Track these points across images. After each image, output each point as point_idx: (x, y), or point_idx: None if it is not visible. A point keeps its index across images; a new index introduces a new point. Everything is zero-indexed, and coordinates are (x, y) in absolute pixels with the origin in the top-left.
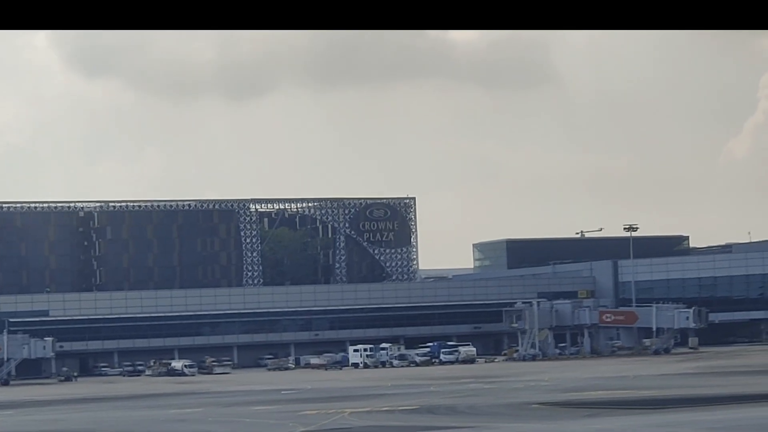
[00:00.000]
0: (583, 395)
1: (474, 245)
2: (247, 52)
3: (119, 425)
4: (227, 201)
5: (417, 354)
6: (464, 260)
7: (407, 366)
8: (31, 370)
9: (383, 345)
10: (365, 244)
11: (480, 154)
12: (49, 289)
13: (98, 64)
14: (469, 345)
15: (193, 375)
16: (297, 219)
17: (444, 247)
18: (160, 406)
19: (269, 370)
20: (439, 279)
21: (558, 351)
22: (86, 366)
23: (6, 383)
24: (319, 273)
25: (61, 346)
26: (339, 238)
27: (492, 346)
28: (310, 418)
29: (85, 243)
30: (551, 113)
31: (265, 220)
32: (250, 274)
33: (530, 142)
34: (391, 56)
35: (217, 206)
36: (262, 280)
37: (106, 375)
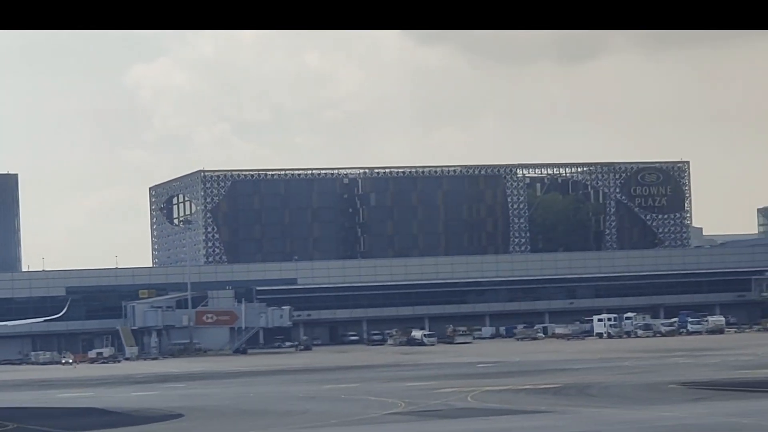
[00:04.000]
0: (748, 374)
1: (759, 210)
2: None
3: (251, 401)
4: (493, 166)
5: (662, 324)
6: (748, 225)
7: (651, 336)
8: (277, 338)
9: (628, 314)
10: (637, 209)
11: None
12: (297, 258)
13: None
14: (718, 315)
15: (432, 345)
16: (569, 184)
17: (726, 211)
18: (327, 381)
19: (518, 339)
20: (716, 246)
21: None
22: (335, 334)
23: (243, 352)
24: (590, 239)
25: (308, 315)
26: (610, 203)
27: (760, 315)
28: (429, 397)
29: (350, 210)
30: None
31: (537, 185)
32: (516, 240)
33: None
34: None
35: (482, 171)
36: (529, 247)
37: (351, 343)
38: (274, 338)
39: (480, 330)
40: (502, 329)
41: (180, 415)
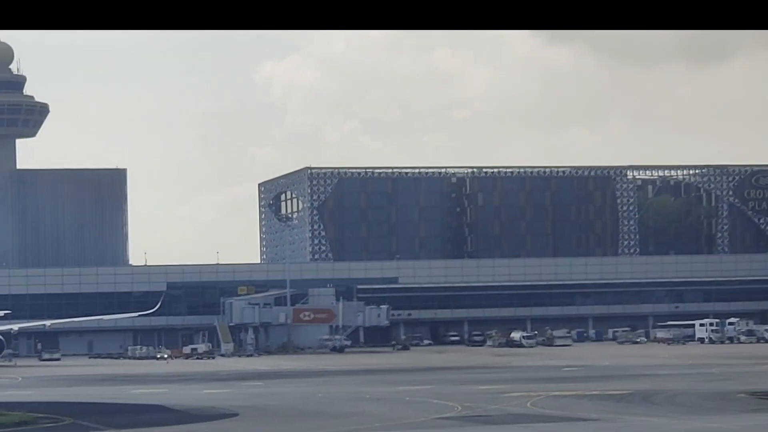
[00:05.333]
0: None
1: None
2: None
3: (315, 402)
4: (603, 167)
5: (766, 330)
6: None
7: (754, 342)
8: (379, 337)
9: (731, 320)
10: (750, 213)
11: None
12: (399, 256)
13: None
14: None
15: (531, 347)
16: (681, 187)
17: None
18: (403, 382)
19: (619, 343)
20: None
21: None
22: (437, 334)
23: (341, 350)
24: (702, 243)
25: (409, 314)
26: (722, 206)
27: None
28: (491, 401)
29: (457, 209)
30: None
31: (649, 187)
32: (626, 243)
33: None
34: None
35: (592, 173)
36: (638, 249)
37: (452, 344)
38: (379, 337)
39: (585, 332)
40: (608, 332)
41: (235, 415)
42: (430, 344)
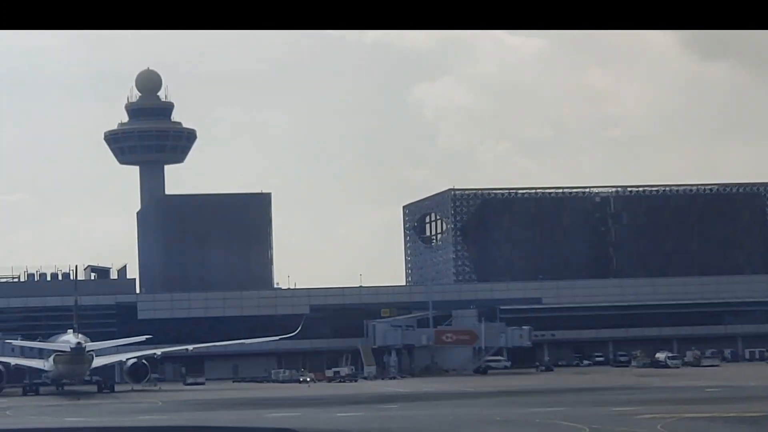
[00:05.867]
0: None
1: None
2: None
3: (441, 424)
4: (752, 184)
5: None
6: None
7: None
8: (522, 358)
9: None
10: None
11: None
12: (542, 277)
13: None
14: None
15: (677, 367)
16: None
17: None
18: (538, 404)
19: None
20: None
21: None
22: (581, 355)
23: (484, 372)
24: None
25: (552, 335)
26: None
27: None
28: (621, 423)
29: (602, 229)
30: None
31: None
32: None
33: None
34: None
35: (740, 190)
36: None
37: (596, 364)
38: (523, 358)
39: (737, 352)
40: (763, 351)
41: None
42: (577, 365)
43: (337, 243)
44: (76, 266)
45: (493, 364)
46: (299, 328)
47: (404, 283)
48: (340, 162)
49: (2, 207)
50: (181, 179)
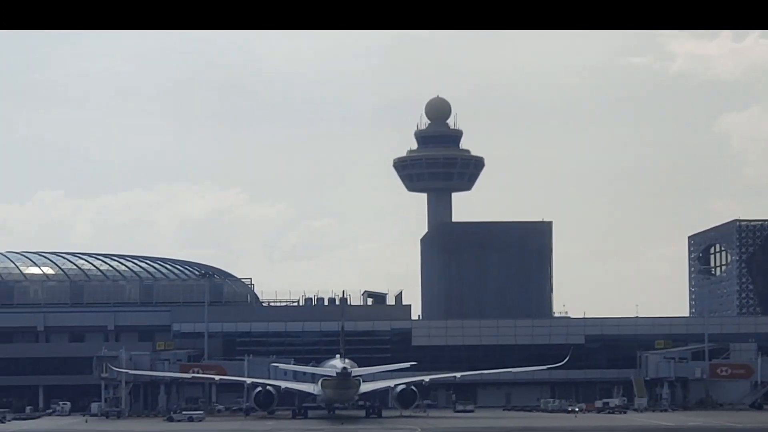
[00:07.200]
0: None
1: None
2: None
3: None
4: None
5: None
6: None
7: None
8: None
9: None
10: None
11: None
12: None
13: None
14: None
15: None
16: None
17: None
18: None
19: None
20: None
21: None
22: None
23: (759, 407)
24: None
25: None
26: None
27: None
28: None
29: None
30: None
31: None
32: None
33: None
34: None
35: None
36: None
37: None
38: None
39: None
40: None
41: None
42: None
43: (616, 273)
44: (343, 292)
45: None
46: (567, 358)
47: (687, 314)
48: (629, 192)
49: (308, 231)
50: (468, 206)
